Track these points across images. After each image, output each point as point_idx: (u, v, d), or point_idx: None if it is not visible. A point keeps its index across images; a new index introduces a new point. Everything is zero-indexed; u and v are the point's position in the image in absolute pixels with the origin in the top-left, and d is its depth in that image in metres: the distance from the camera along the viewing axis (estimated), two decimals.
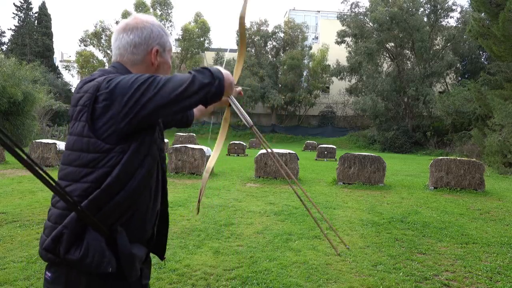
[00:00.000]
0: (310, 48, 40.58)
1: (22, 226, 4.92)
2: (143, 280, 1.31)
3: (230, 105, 1.88)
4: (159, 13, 39.94)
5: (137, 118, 1.11)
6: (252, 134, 37.88)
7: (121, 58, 1.31)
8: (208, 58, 44.30)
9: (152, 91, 1.09)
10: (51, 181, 1.02)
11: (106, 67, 1.32)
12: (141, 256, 1.24)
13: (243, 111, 1.43)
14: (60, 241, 1.13)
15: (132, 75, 1.15)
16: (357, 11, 34.86)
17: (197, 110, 1.87)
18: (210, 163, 1.67)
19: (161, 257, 1.48)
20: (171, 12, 40.80)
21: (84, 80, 1.23)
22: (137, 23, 1.30)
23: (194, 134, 25.56)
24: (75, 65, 40.33)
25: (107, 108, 1.12)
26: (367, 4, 33.90)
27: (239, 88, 1.92)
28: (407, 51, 34.50)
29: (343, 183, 9.74)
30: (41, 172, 0.98)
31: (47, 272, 1.22)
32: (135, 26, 1.29)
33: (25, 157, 0.92)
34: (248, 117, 1.43)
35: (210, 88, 1.13)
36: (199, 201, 1.64)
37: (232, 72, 1.75)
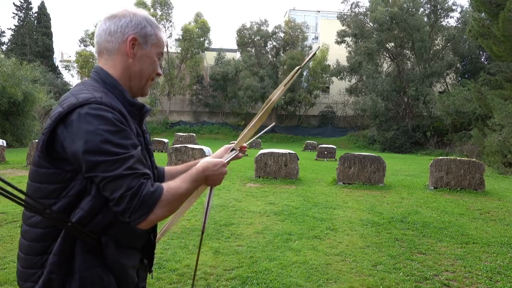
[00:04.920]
0: (310, 48, 40.62)
1: None
2: (140, 283, 1.29)
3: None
4: (159, 13, 39.95)
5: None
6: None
7: (98, 48, 1.23)
8: (209, 58, 44.28)
9: (105, 168, 1.02)
10: (22, 198, 0.94)
11: (87, 79, 1.25)
12: (133, 264, 1.20)
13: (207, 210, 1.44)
14: (51, 287, 1.08)
15: (99, 125, 1.03)
16: (357, 11, 34.85)
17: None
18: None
19: (149, 268, 1.38)
20: (171, 12, 40.82)
21: (60, 100, 1.15)
22: (119, 12, 1.23)
23: (194, 134, 25.54)
24: (75, 65, 40.33)
25: (62, 146, 1.07)
26: (367, 4, 33.92)
27: (240, 154, 1.58)
28: (407, 51, 34.46)
29: (343, 183, 9.74)
30: (12, 189, 0.90)
31: None
32: (115, 15, 1.22)
33: None
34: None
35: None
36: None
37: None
